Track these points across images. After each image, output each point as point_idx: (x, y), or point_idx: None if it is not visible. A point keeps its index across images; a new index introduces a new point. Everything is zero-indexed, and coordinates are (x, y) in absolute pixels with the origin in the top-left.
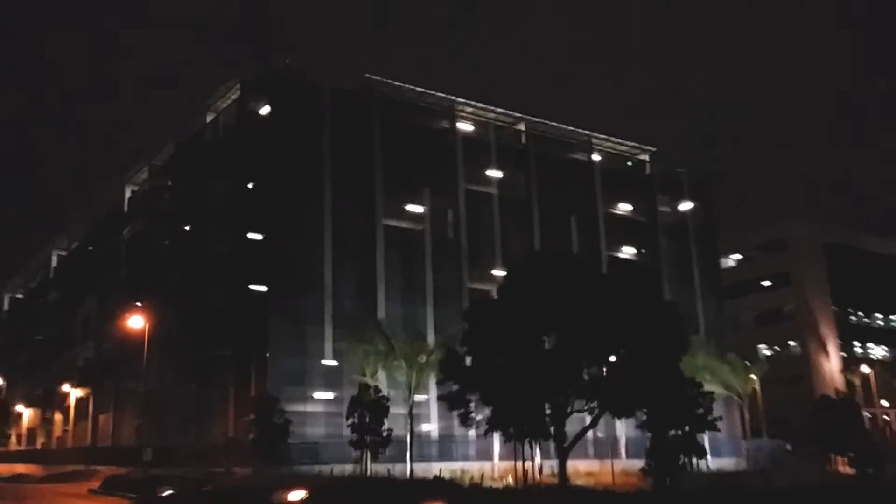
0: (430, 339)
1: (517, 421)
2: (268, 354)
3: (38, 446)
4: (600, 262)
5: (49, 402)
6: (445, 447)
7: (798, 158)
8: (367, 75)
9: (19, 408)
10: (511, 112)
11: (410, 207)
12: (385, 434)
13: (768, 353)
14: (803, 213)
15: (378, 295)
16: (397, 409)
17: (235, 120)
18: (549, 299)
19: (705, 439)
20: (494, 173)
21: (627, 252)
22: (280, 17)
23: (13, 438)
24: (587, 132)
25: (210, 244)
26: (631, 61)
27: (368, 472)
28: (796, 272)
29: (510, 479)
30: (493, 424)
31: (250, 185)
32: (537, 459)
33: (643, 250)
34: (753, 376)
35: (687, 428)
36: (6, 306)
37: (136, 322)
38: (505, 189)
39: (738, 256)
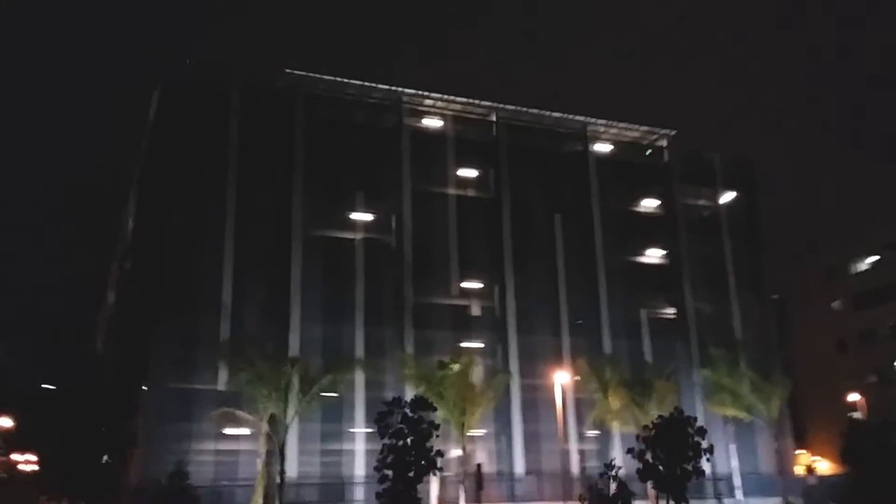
0: (360, 361)
1: None
2: (145, 388)
3: None
4: (594, 265)
5: None
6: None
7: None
8: (288, 71)
9: None
10: (479, 102)
11: (341, 214)
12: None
13: None
14: None
15: (291, 314)
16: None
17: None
18: None
19: (736, 474)
20: (455, 171)
21: (640, 252)
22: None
23: None
24: (581, 118)
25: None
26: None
27: None
28: None
29: None
30: None
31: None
32: None
33: (662, 250)
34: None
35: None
36: None
37: None
38: (468, 189)
39: (873, 259)
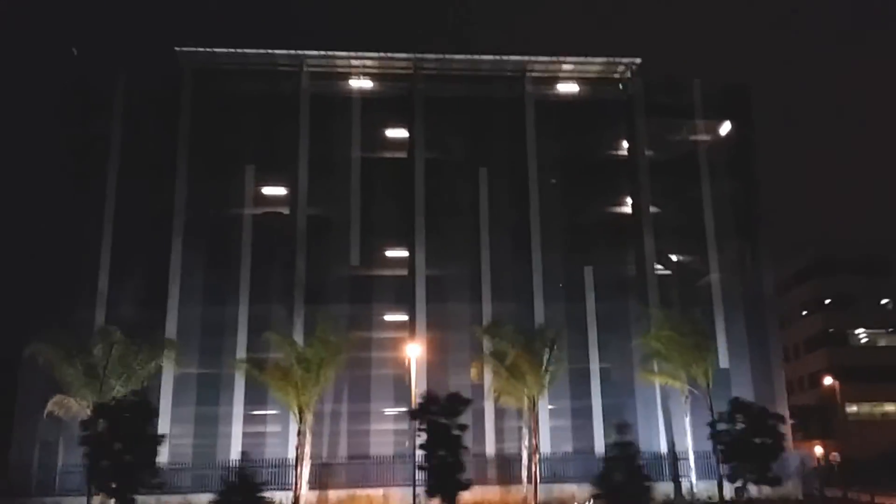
0: (242, 342)
1: None
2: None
3: None
4: (526, 221)
5: None
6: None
7: None
8: (177, 48)
9: None
10: (396, 55)
11: (228, 190)
12: None
13: None
14: None
15: (169, 297)
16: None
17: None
18: None
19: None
20: (367, 133)
21: (589, 203)
22: None
23: None
24: (519, 58)
25: None
26: None
27: None
28: None
29: None
30: None
31: None
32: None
33: (620, 199)
34: None
35: None
36: None
37: None
38: (379, 151)
39: None
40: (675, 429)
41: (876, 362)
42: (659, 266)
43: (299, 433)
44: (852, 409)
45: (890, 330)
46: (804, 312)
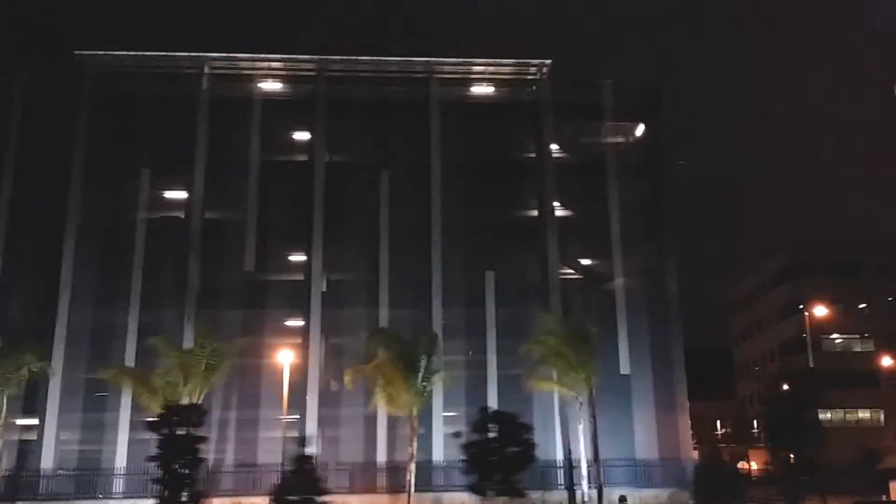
0: (131, 348)
1: None
2: None
3: None
4: (428, 225)
5: None
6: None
7: None
8: (77, 52)
9: None
10: (300, 56)
11: (123, 195)
12: None
13: None
14: None
15: (60, 303)
16: None
17: None
18: None
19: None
20: (266, 136)
21: (494, 207)
22: None
23: None
24: (425, 59)
25: None
26: None
27: None
28: None
29: None
30: None
31: None
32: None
33: (524, 202)
34: None
35: None
36: None
37: None
38: (278, 154)
39: None
40: (571, 437)
41: (850, 368)
42: (569, 270)
43: None
44: (826, 416)
45: (865, 335)
46: (778, 317)
